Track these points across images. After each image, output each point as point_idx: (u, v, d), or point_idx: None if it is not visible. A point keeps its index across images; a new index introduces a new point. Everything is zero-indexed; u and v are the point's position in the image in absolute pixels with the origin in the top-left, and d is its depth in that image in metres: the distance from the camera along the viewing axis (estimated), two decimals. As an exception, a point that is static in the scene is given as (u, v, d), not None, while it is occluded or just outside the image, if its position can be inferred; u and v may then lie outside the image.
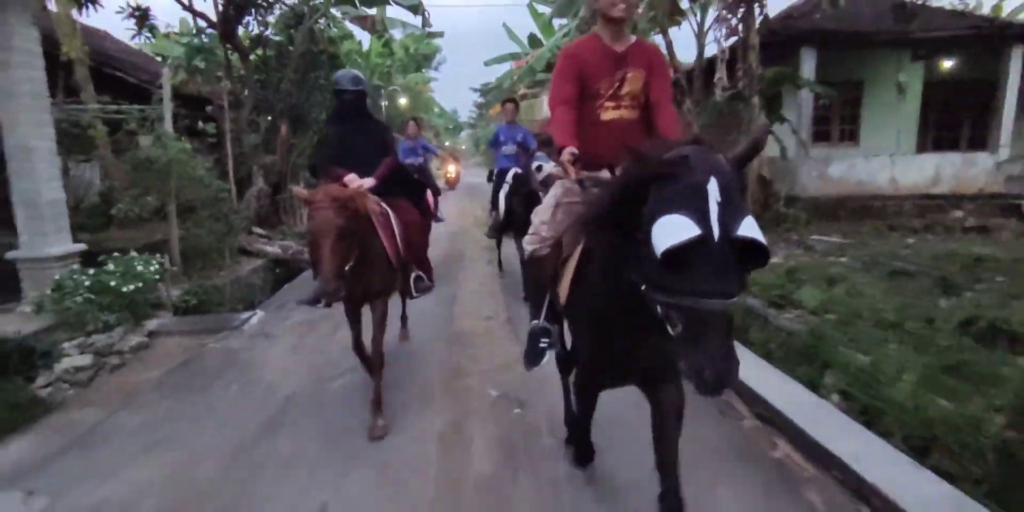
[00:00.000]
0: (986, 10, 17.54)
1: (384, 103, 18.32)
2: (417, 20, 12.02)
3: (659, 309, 1.34)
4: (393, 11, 12.41)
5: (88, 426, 3.18)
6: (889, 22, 9.28)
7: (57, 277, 4.40)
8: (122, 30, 10.77)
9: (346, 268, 2.66)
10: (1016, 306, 3.75)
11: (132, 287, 4.43)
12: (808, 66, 9.73)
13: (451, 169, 20.43)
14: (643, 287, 1.40)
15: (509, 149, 6.18)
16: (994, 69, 10.19)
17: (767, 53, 8.47)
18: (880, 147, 10.68)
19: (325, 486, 2.54)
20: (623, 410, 2.52)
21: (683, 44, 11.72)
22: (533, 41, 19.09)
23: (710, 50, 9.29)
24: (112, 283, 4.34)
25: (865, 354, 3.52)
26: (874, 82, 10.86)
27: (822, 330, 3.94)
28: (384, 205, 3.35)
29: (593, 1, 2.20)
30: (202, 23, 9.31)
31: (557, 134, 2.15)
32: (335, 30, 12.88)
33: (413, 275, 3.62)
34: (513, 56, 19.58)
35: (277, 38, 10.19)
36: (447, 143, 39.25)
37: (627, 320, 1.66)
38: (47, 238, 4.61)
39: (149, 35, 9.18)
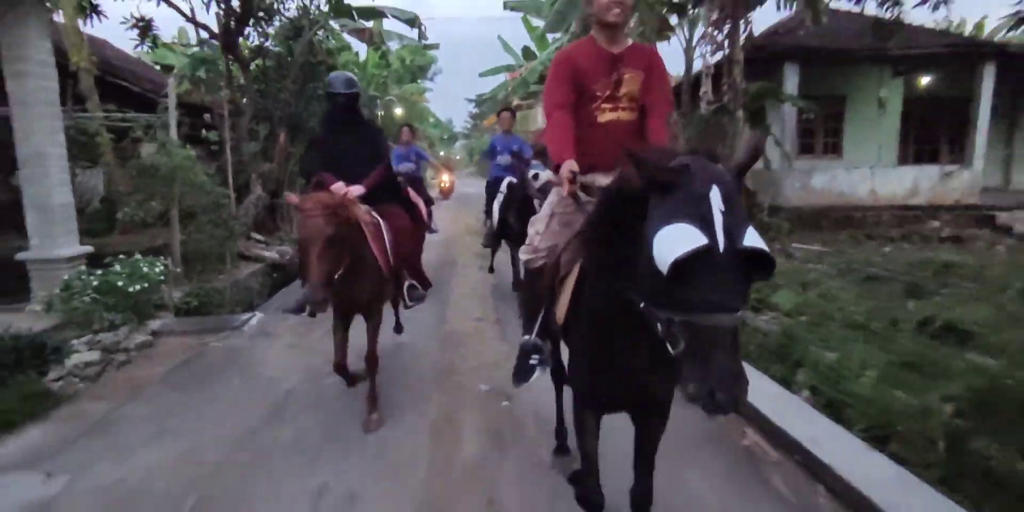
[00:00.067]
0: (969, 28, 18.12)
1: (380, 113, 18.59)
2: (413, 33, 12.35)
3: (659, 327, 1.28)
4: (390, 24, 12.74)
5: (99, 416, 3.36)
6: (870, 39, 9.66)
7: (66, 277, 4.59)
8: (120, 38, 11.01)
9: (335, 277, 2.63)
10: (971, 307, 4.00)
11: (138, 287, 4.62)
12: (791, 81, 10.07)
13: (445, 179, 20.62)
14: (642, 305, 1.34)
15: (504, 159, 6.17)
16: (970, 86, 10.57)
17: (752, 68, 8.79)
18: (862, 160, 11.03)
19: (325, 468, 2.73)
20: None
21: (672, 59, 12.06)
22: (527, 53, 19.48)
23: (699, 65, 9.62)
24: (119, 283, 4.53)
25: (833, 352, 3.76)
26: (856, 97, 11.24)
27: (795, 331, 4.18)
28: (375, 214, 3.30)
29: (588, 6, 2.16)
30: (204, 34, 9.54)
31: (553, 142, 2.10)
32: (333, 42, 13.16)
33: (406, 284, 3.58)
34: (508, 68, 19.96)
35: (277, 49, 10.44)
36: (442, 153, 39.54)
37: (630, 342, 1.59)
38: (56, 240, 4.80)
39: (152, 45, 9.37)
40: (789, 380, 3.61)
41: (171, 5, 8.33)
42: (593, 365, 1.81)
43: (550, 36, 16.34)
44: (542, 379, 3.11)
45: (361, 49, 18.03)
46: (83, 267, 4.90)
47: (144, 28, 9.26)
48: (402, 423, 3.20)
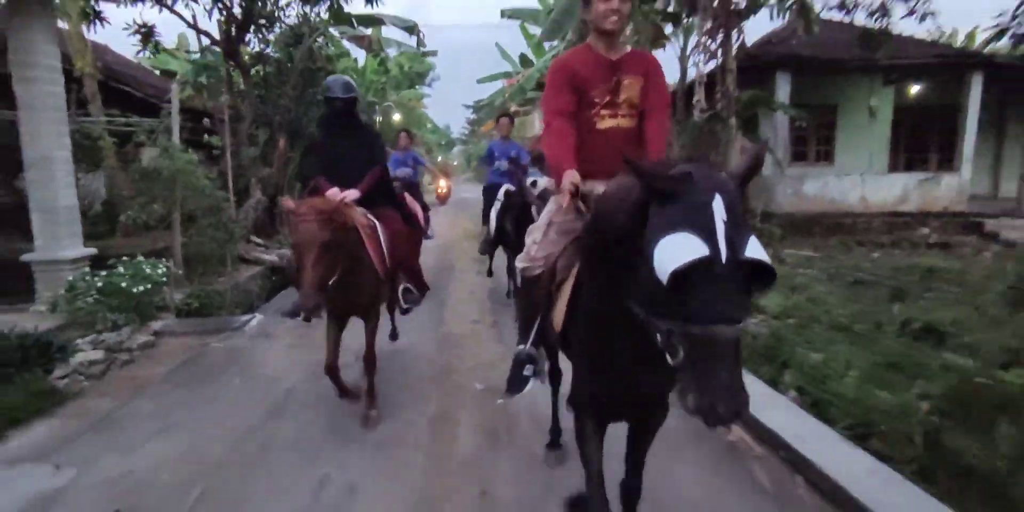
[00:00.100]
0: (961, 38, 18.39)
1: (378, 118, 18.74)
2: (412, 40, 12.50)
3: (658, 338, 1.26)
4: (389, 31, 12.89)
5: (105, 412, 3.45)
6: (861, 49, 9.85)
7: (70, 279, 4.68)
8: (120, 44, 11.14)
9: (330, 282, 2.63)
10: (951, 310, 4.13)
11: (141, 288, 4.71)
12: (783, 90, 10.26)
13: (442, 184, 20.73)
14: (641, 315, 1.33)
15: (502, 164, 6.16)
16: (958, 95, 10.78)
17: (746, 77, 8.98)
18: (854, 167, 11.22)
19: (326, 461, 2.83)
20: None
21: (666, 67, 12.21)
22: (524, 61, 19.68)
23: (693, 73, 9.79)
24: (123, 284, 4.62)
25: (819, 354, 3.88)
26: (848, 106, 11.44)
27: (783, 333, 4.30)
28: (371, 216, 3.33)
29: (585, 13, 2.15)
30: (206, 41, 9.67)
31: (553, 151, 2.09)
32: (332, 48, 13.31)
33: (401, 287, 3.59)
34: (505, 75, 20.13)
35: (277, 55, 10.58)
36: (439, 159, 39.71)
37: (631, 351, 1.57)
38: (61, 242, 4.89)
39: (154, 51, 9.49)
40: (777, 381, 3.72)
41: (173, 12, 8.46)
42: (594, 374, 1.79)
43: (547, 44, 16.55)
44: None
45: (360, 55, 18.22)
46: (87, 269, 5.00)
47: (146, 34, 9.39)
48: (400, 420, 3.30)
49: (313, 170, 3.44)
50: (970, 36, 18.68)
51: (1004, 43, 8.07)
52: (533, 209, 4.39)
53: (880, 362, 3.61)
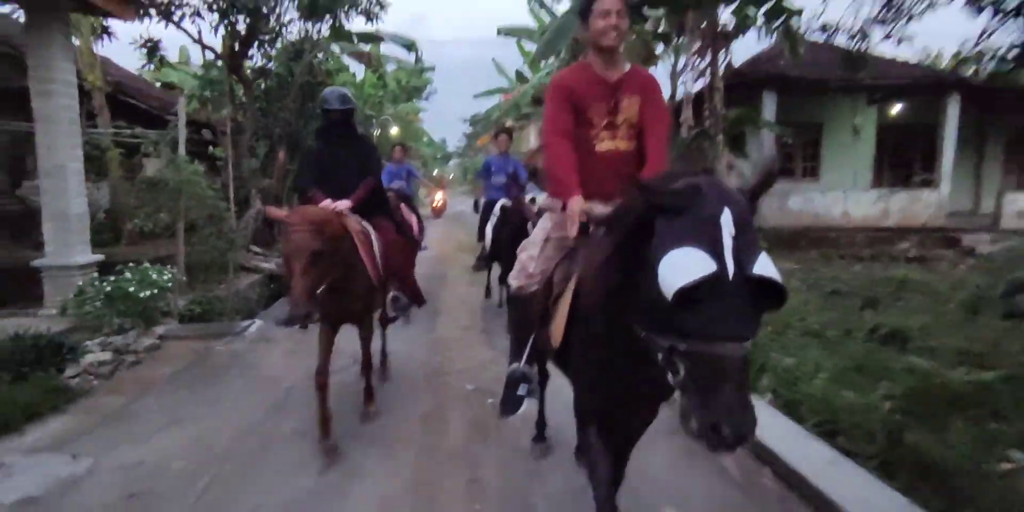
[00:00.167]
0: (947, 60, 18.93)
1: (376, 131, 19.06)
2: (410, 56, 12.87)
3: (659, 355, 1.23)
4: (388, 48, 13.24)
5: (115, 408, 3.65)
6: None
7: (80, 283, 4.88)
8: (123, 57, 11.44)
9: (318, 291, 2.61)
10: (916, 317, 4.38)
11: (148, 293, 4.91)
12: (769, 108, 10.62)
13: (438, 197, 20.95)
14: (643, 333, 1.29)
15: (499, 180, 6.08)
16: (938, 115, 11.16)
17: (734, 95, 9.31)
18: (839, 183, 11.57)
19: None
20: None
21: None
22: (520, 77, 20.11)
23: (683, 91, 10.13)
24: (131, 289, 4.82)
25: (792, 358, 4.11)
26: (833, 124, 11.83)
27: (760, 340, 4.53)
28: (365, 223, 3.35)
29: (583, 31, 2.12)
30: (210, 55, 9.96)
31: (556, 173, 2.05)
32: (332, 63, 13.64)
33: (390, 295, 3.59)
34: (501, 90, 20.56)
35: (278, 70, 10.87)
36: (435, 172, 40.11)
37: (633, 368, 1.54)
38: (72, 248, 5.11)
39: (161, 64, 9.76)
40: (754, 385, 3.94)
41: (180, 28, 8.75)
42: (596, 389, 1.77)
43: (542, 60, 16.95)
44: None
45: (358, 70, 18.58)
46: (95, 274, 5.20)
47: (152, 49, 9.68)
48: (395, 416, 3.51)
49: (308, 180, 3.47)
50: (955, 57, 19.25)
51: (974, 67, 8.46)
52: (529, 225, 4.50)
53: (848, 365, 3.85)
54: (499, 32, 15.39)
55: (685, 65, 9.69)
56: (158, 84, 13.89)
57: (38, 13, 4.92)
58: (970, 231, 10.03)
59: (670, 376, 1.20)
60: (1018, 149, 13.03)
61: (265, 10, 9.06)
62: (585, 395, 1.85)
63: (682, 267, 1.11)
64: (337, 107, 3.48)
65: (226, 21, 8.77)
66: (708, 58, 9.16)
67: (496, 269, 6.25)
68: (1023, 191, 11.71)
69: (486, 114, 21.41)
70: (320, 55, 11.40)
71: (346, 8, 9.79)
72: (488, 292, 6.79)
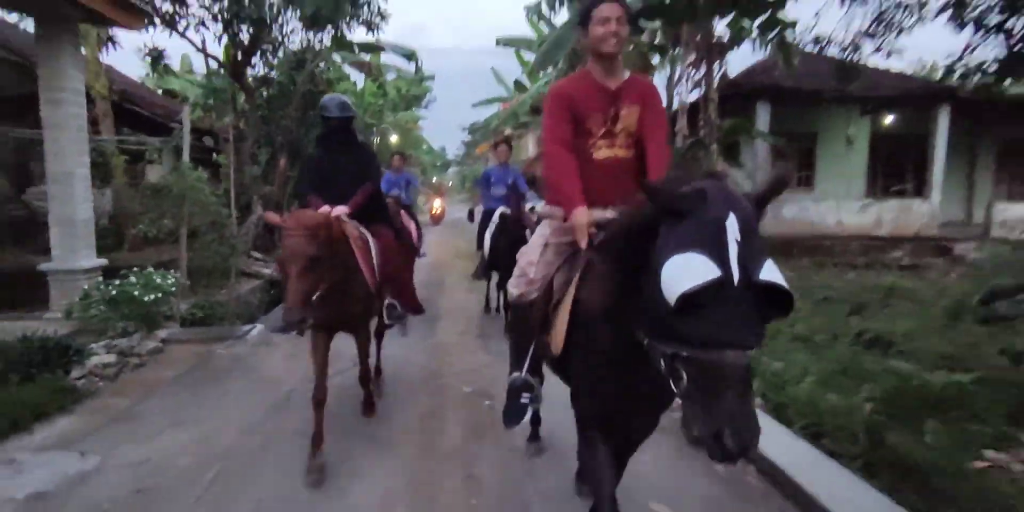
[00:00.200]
0: (941, 72, 19.16)
1: (376, 139, 19.24)
2: (410, 65, 13.06)
3: (662, 362, 1.21)
4: (389, 57, 13.43)
5: (121, 409, 3.74)
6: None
7: (85, 287, 4.99)
8: (125, 64, 11.62)
9: (314, 297, 2.57)
10: (901, 322, 4.51)
11: (151, 297, 5.02)
12: (763, 118, 10.79)
13: (436, 204, 21.06)
14: (646, 339, 1.28)
15: (499, 191, 6.09)
16: (928, 125, 11.35)
17: (729, 106, 9.48)
18: (833, 192, 11.73)
19: (327, 451, 3.11)
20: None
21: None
22: (519, 86, 20.34)
23: (679, 101, 10.31)
24: (135, 293, 4.93)
25: (780, 362, 4.22)
26: (827, 134, 12.01)
27: (750, 344, 4.64)
28: (363, 229, 3.35)
29: (583, 38, 2.11)
30: (214, 64, 10.13)
31: (558, 182, 2.06)
32: (332, 72, 13.83)
33: (386, 302, 3.56)
34: (500, 99, 20.78)
35: (280, 79, 11.05)
36: (434, 179, 40.32)
37: (636, 375, 1.53)
38: (78, 253, 5.22)
39: (163, 73, 9.94)
40: (746, 390, 4.04)
41: (185, 37, 8.91)
42: (598, 397, 1.76)
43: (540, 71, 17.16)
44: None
45: (359, 78, 18.80)
46: (100, 278, 5.31)
47: (156, 57, 9.85)
48: (393, 417, 3.61)
49: (307, 186, 3.47)
50: (943, 72, 19.48)
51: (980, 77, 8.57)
52: (527, 233, 4.52)
53: (834, 369, 3.95)
54: (498, 42, 15.62)
55: (681, 76, 9.89)
56: (159, 91, 14.08)
57: (49, 24, 5.07)
58: (962, 240, 10.18)
59: (672, 383, 1.19)
60: (1009, 160, 13.23)
61: (268, 20, 9.23)
62: (586, 401, 1.84)
63: (686, 272, 1.10)
64: (336, 114, 3.50)
65: (230, 31, 8.94)
66: (703, 69, 9.35)
67: (495, 278, 6.26)
68: (1013, 201, 11.91)
69: (485, 123, 21.66)
70: (322, 64, 11.59)
71: (348, 19, 9.97)
72: (487, 306, 6.71)
